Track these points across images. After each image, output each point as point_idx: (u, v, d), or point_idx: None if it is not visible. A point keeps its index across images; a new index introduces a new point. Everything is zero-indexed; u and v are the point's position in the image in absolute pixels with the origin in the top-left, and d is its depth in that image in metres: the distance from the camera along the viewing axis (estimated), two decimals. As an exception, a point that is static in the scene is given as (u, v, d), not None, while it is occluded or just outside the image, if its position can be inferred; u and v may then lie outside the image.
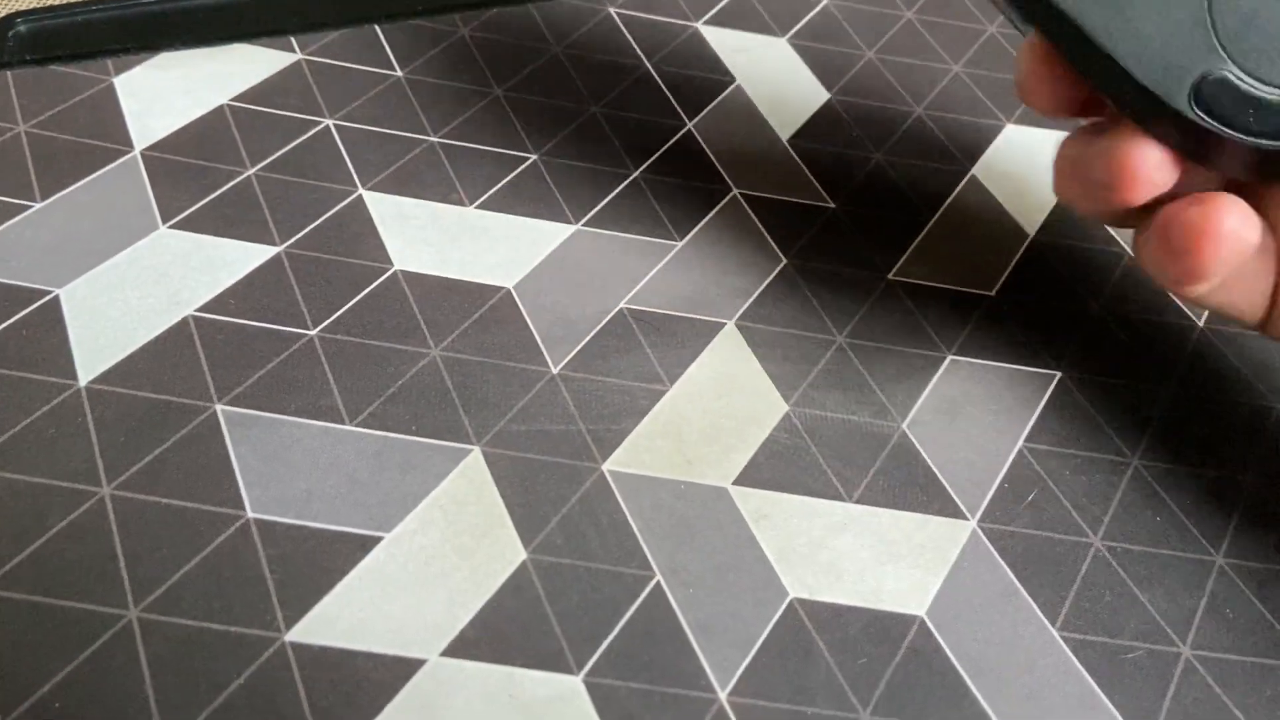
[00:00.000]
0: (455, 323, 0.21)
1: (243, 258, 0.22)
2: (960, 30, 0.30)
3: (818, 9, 0.30)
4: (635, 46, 0.28)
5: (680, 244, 0.23)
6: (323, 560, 0.18)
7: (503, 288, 0.22)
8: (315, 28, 0.26)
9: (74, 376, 0.20)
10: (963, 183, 0.25)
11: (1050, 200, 0.25)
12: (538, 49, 0.27)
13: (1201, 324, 0.23)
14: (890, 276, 0.23)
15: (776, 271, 0.23)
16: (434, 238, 0.23)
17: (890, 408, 0.21)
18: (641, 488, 0.19)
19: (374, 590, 0.18)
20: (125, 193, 0.23)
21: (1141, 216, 0.18)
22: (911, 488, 0.20)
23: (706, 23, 0.29)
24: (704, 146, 0.26)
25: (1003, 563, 0.19)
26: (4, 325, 0.20)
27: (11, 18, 0.26)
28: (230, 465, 0.19)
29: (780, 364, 0.22)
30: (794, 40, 0.29)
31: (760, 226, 0.24)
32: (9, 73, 0.25)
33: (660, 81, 0.27)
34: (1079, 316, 0.23)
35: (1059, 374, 0.22)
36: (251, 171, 0.23)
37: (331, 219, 0.23)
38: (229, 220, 0.22)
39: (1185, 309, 0.24)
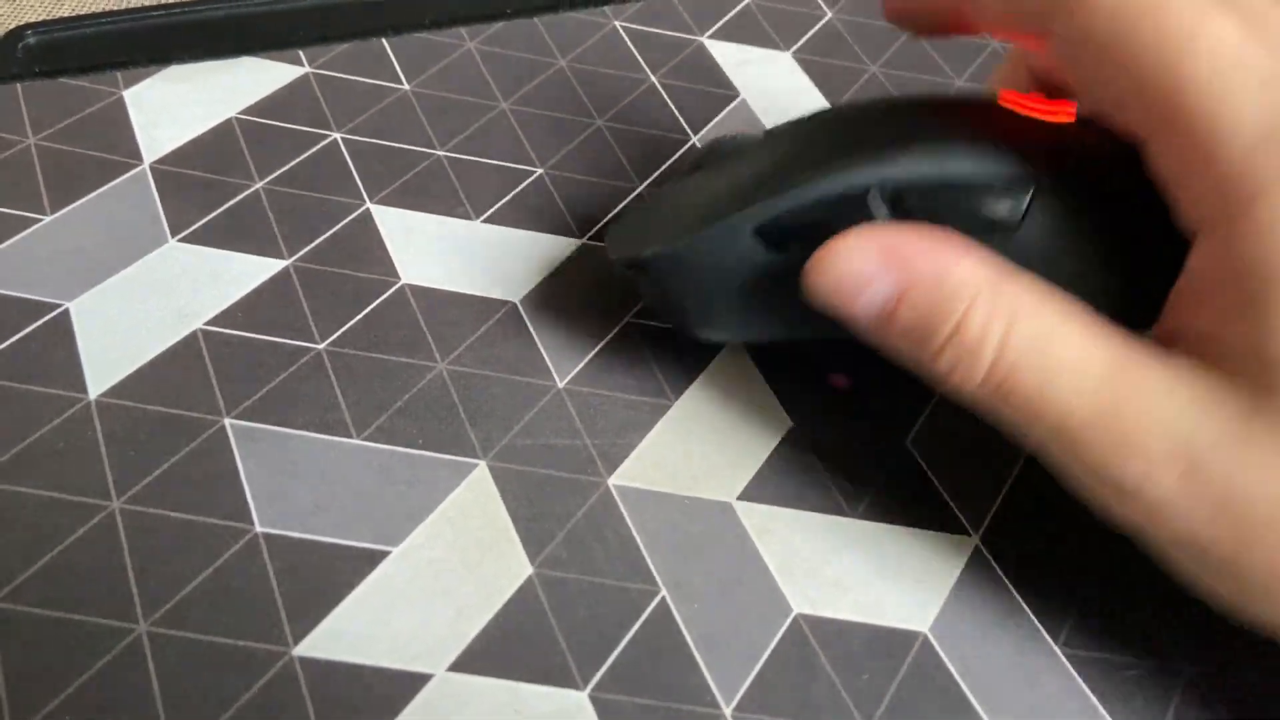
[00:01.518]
0: (462, 336, 0.22)
1: (251, 271, 0.22)
2: (963, 45, 0.30)
3: (822, 23, 0.30)
4: (640, 60, 0.28)
5: (685, 258, 0.23)
6: (330, 574, 0.18)
7: (509, 302, 0.22)
8: (323, 41, 0.27)
9: (84, 390, 0.20)
10: (966, 198, 0.26)
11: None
12: (543, 62, 0.27)
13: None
14: (894, 291, 0.24)
15: (781, 286, 0.23)
16: (441, 251, 0.23)
17: (893, 423, 0.21)
18: (646, 502, 0.20)
19: (381, 604, 0.18)
20: (134, 206, 0.23)
21: None
22: (915, 503, 0.20)
23: (711, 36, 0.29)
24: (709, 161, 0.26)
25: (1005, 579, 0.19)
26: (14, 338, 0.20)
27: (21, 30, 0.26)
28: (239, 479, 0.19)
29: (785, 379, 0.22)
30: (798, 54, 0.29)
31: (765, 241, 0.24)
32: (18, 85, 0.25)
33: (665, 95, 0.27)
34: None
35: (1061, 390, 0.22)
36: (260, 185, 0.23)
37: (339, 232, 0.23)
38: (237, 233, 0.23)
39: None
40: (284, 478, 0.19)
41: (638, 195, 0.25)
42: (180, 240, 0.22)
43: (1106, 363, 0.15)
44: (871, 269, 0.16)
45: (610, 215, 0.24)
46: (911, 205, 0.17)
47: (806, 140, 0.19)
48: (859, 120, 0.19)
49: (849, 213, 0.17)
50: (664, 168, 0.25)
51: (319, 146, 0.24)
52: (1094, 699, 0.18)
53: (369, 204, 0.23)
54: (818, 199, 0.17)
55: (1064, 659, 0.18)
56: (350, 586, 0.18)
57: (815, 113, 0.21)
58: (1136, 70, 0.15)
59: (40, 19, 0.27)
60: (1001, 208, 0.17)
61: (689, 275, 0.19)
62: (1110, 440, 0.15)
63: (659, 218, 0.20)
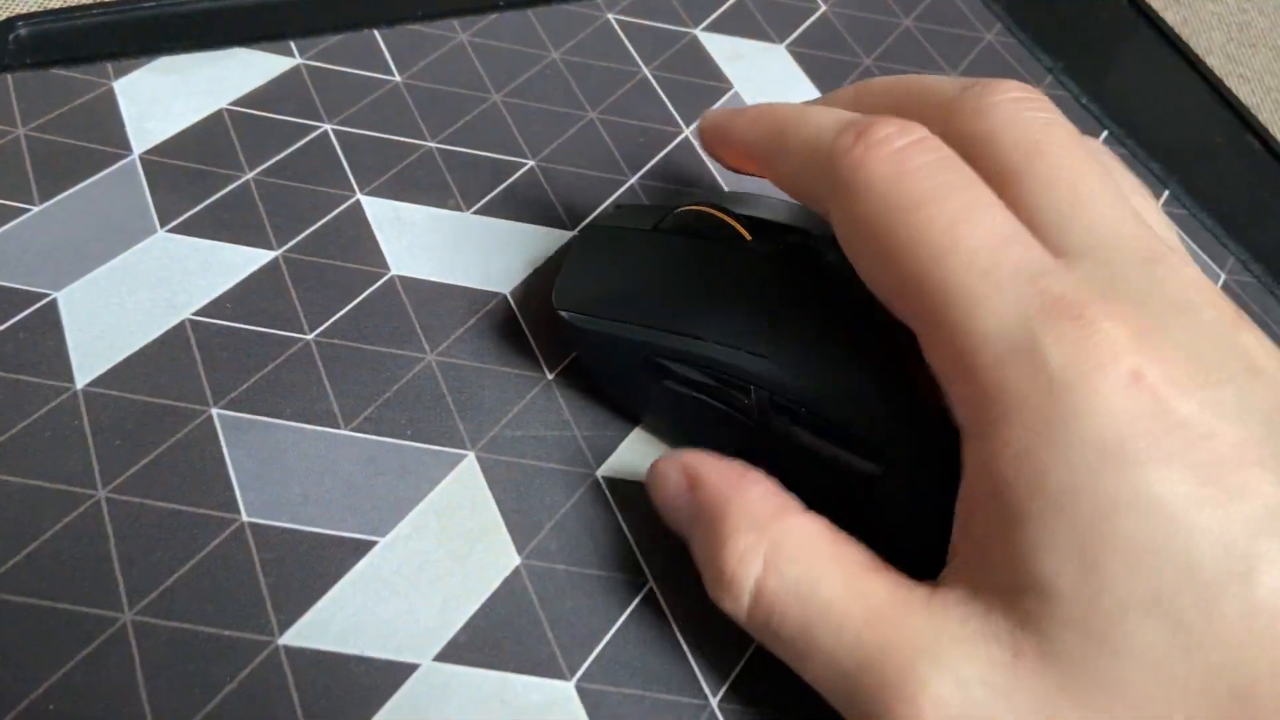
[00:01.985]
0: (451, 328, 0.21)
1: (240, 262, 0.22)
2: (958, 38, 0.30)
3: (816, 16, 0.30)
4: (633, 52, 0.28)
5: (676, 250, 0.23)
6: (317, 564, 0.18)
7: (499, 293, 0.22)
8: (314, 32, 0.27)
9: (71, 379, 0.20)
10: (958, 191, 0.26)
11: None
12: (536, 55, 0.27)
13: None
14: (885, 284, 0.23)
15: (772, 278, 0.23)
16: (431, 243, 0.23)
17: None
18: (635, 494, 0.20)
19: (368, 594, 0.18)
20: (124, 196, 0.23)
21: None
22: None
23: (705, 29, 0.29)
24: (701, 154, 0.26)
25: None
26: (1, 327, 0.20)
27: (12, 21, 0.26)
28: (225, 469, 0.19)
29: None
30: (792, 47, 0.29)
31: (756, 233, 0.24)
32: (9, 76, 0.25)
33: (658, 88, 0.27)
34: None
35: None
36: (250, 176, 0.23)
37: (329, 224, 0.23)
38: (227, 224, 0.22)
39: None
40: (271, 468, 0.19)
41: (629, 188, 0.25)
42: (169, 231, 0.22)
43: (872, 606, 0.15)
44: (679, 494, 0.18)
45: (602, 207, 0.24)
46: (783, 420, 0.18)
47: (759, 281, 0.18)
48: (812, 294, 0.18)
49: (730, 391, 0.18)
50: (655, 160, 0.25)
51: (309, 138, 0.24)
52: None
53: (359, 195, 0.23)
54: (714, 361, 0.18)
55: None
56: (337, 576, 0.18)
57: (805, 236, 0.19)
58: (898, 267, 0.15)
59: (31, 10, 0.27)
60: (859, 472, 0.17)
61: (590, 348, 0.20)
62: (876, 686, 0.14)
63: (602, 273, 0.20)
